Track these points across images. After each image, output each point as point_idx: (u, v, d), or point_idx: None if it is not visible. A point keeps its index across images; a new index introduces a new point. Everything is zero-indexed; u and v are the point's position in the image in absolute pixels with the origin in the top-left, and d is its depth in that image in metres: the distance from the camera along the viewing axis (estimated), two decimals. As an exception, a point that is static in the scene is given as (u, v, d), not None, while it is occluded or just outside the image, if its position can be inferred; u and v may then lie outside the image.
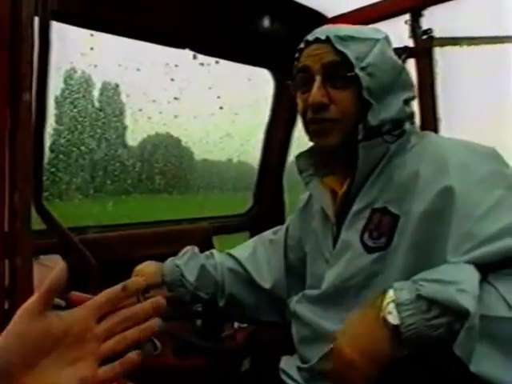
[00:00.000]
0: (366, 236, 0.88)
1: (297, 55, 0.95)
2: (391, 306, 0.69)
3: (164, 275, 1.14)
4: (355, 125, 0.88)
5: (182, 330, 1.10)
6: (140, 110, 1.91)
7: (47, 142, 1.26)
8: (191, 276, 1.14)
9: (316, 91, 0.87)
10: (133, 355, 0.48)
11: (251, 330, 1.26)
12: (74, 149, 1.87)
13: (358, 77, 0.85)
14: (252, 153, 2.06)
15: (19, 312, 0.46)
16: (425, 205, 0.80)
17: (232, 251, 1.21)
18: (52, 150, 1.81)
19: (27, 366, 0.45)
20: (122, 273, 1.07)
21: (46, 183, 1.44)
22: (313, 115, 0.90)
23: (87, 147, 1.89)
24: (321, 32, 0.89)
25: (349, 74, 0.86)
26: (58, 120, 1.82)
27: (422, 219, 0.80)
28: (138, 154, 2.35)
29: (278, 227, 1.23)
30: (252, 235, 1.51)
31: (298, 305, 1.02)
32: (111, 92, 2.10)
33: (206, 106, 1.93)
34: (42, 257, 1.27)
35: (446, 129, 1.49)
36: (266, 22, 1.60)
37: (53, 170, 1.81)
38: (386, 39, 0.92)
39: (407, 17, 1.46)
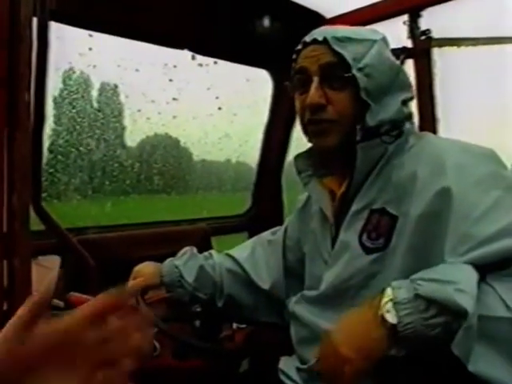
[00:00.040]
0: (364, 237, 0.88)
1: (294, 56, 0.94)
2: (389, 305, 0.70)
3: (163, 276, 1.14)
4: (353, 126, 0.88)
5: (180, 331, 1.10)
6: (139, 110, 1.91)
7: (46, 143, 1.26)
8: (190, 277, 1.14)
9: (313, 92, 0.87)
10: (131, 360, 0.48)
11: (250, 330, 1.26)
12: (73, 149, 1.87)
13: (356, 78, 0.85)
14: (251, 153, 2.06)
15: (12, 321, 0.46)
16: (422, 206, 0.80)
17: (231, 252, 1.21)
18: (50, 151, 1.81)
19: (22, 374, 0.45)
20: (121, 273, 1.07)
21: (44, 184, 1.43)
22: (311, 116, 0.90)
23: (86, 148, 1.89)
24: (318, 33, 0.89)
25: (346, 75, 0.86)
26: (57, 120, 1.82)
27: (419, 220, 0.80)
28: (137, 155, 2.35)
29: (277, 228, 1.23)
30: (251, 236, 1.51)
31: (296, 305, 1.02)
32: (110, 92, 2.10)
33: (205, 106, 1.93)
34: (40, 257, 1.27)
35: (444, 129, 1.49)
36: (265, 23, 1.60)
37: (51, 170, 1.81)
38: (384, 40, 0.92)
39: (405, 17, 1.46)
